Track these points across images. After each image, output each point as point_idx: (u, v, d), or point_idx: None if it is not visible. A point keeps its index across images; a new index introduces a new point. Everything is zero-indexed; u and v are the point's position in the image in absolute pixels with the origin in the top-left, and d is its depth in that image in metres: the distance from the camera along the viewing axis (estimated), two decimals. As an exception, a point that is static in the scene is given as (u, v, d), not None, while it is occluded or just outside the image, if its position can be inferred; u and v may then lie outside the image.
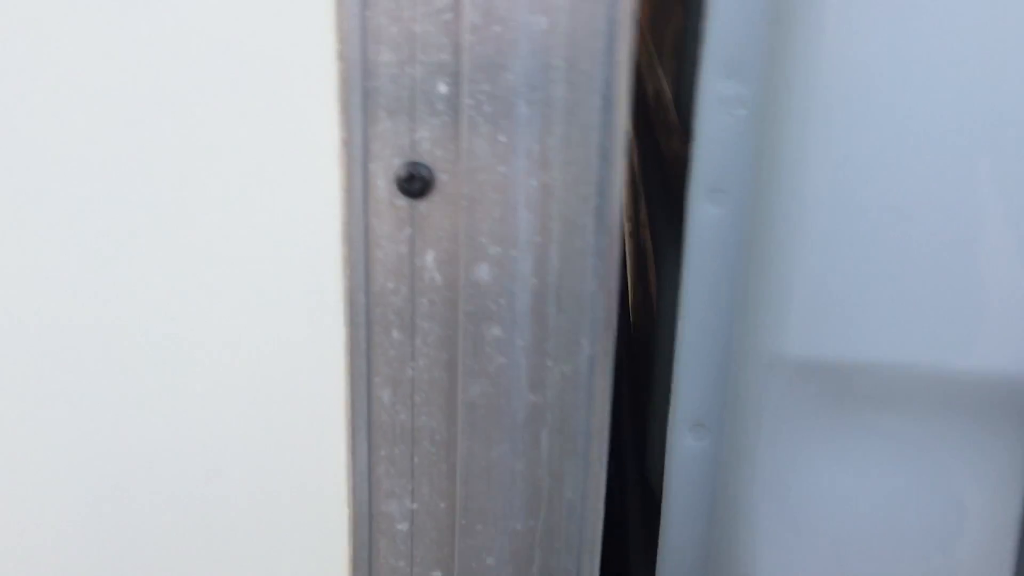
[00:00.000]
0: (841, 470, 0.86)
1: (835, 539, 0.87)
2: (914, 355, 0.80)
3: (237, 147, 0.67)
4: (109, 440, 0.75)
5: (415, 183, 0.64)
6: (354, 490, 0.73)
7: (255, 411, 0.73)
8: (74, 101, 0.66)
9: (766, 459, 0.87)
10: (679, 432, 0.89)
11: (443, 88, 0.62)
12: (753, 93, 0.78)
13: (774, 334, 0.81)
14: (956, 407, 0.82)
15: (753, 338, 0.84)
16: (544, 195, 0.64)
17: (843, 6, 0.72)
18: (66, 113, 0.67)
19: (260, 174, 0.67)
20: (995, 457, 0.83)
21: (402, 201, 0.65)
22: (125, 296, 0.71)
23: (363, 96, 0.63)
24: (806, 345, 0.80)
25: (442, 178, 0.64)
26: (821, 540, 0.87)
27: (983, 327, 0.78)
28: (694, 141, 0.80)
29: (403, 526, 0.73)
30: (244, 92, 0.65)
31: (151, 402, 0.74)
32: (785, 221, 0.79)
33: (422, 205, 0.65)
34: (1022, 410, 0.81)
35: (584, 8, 0.60)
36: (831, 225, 0.77)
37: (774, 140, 0.79)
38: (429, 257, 0.66)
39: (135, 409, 0.74)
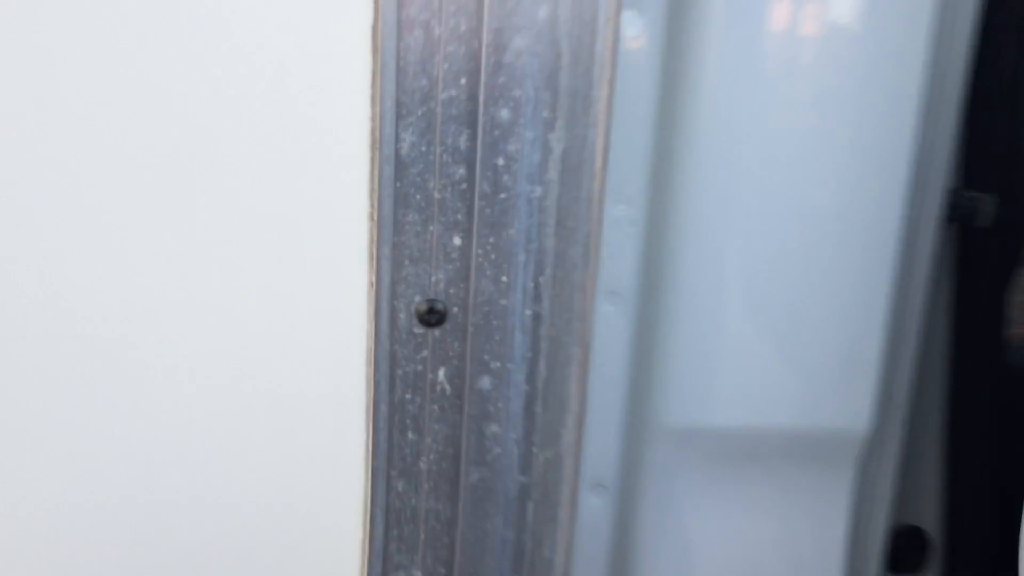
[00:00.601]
0: (716, 516, 1.10)
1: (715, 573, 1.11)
2: (767, 418, 1.05)
3: (271, 285, 0.79)
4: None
5: (433, 316, 0.79)
6: (369, 566, 0.86)
7: (276, 508, 0.85)
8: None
9: (655, 512, 1.09)
10: (582, 491, 1.09)
11: (458, 241, 0.78)
12: (640, 214, 0.99)
13: (659, 407, 1.03)
14: (799, 458, 1.08)
15: (644, 410, 1.05)
16: (536, 321, 0.81)
17: (713, 153, 0.95)
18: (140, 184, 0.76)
19: (297, 308, 0.79)
20: (826, 492, 1.10)
21: (421, 330, 0.80)
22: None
23: (392, 248, 0.77)
24: (683, 415, 1.03)
25: (454, 310, 0.80)
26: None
27: (814, 394, 1.04)
28: (597, 253, 0.99)
29: (412, 593, 0.88)
30: (278, 244, 0.78)
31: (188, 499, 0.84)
32: (667, 317, 1.01)
33: (437, 332, 0.80)
34: (843, 456, 1.08)
35: (571, 180, 0.78)
36: (703, 319, 1.01)
37: (656, 252, 1.00)
38: (441, 373, 0.81)
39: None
